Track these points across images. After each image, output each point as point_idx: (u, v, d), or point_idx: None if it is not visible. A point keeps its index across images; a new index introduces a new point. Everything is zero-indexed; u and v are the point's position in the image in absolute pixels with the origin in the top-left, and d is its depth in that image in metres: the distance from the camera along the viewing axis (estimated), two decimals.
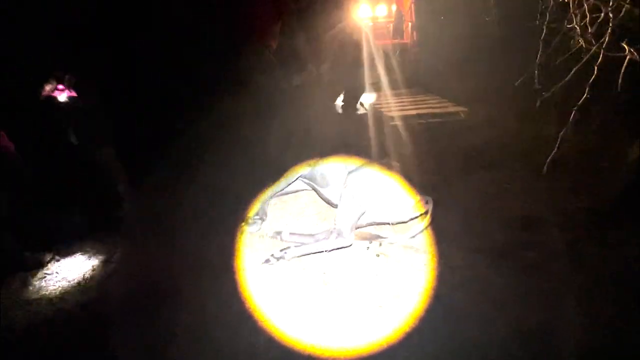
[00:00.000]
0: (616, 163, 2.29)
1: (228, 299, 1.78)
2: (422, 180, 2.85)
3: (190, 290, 1.85)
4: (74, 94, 2.76)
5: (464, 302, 1.80)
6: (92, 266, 2.36)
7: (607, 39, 1.81)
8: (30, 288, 2.20)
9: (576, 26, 1.94)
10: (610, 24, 1.82)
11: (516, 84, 2.24)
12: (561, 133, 2.11)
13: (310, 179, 2.35)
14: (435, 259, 2.08)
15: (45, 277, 2.30)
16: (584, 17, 2.04)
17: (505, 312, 1.73)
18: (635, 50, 2.15)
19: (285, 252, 1.98)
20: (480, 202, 2.53)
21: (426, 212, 2.06)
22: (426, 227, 2.05)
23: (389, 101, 4.52)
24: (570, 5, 1.92)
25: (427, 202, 2.07)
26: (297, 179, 2.39)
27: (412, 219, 2.09)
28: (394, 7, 5.08)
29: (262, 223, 2.32)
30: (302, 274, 1.96)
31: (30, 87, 2.73)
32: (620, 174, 2.23)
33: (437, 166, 3.05)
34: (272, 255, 1.99)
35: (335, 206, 2.19)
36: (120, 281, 2.15)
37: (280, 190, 2.39)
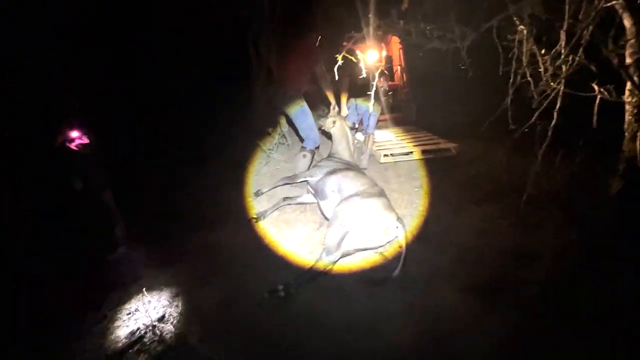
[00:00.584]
0: (600, 196, 2.34)
1: None
2: (414, 216, 2.94)
3: None
4: (86, 140, 2.91)
5: (460, 342, 1.80)
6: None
7: (563, 81, 1.95)
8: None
9: (546, 69, 2.11)
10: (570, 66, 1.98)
11: (485, 125, 2.39)
12: (532, 171, 2.21)
13: (314, 188, 2.88)
14: (430, 298, 2.09)
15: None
16: (553, 61, 2.21)
17: (504, 350, 1.73)
18: (605, 90, 2.32)
19: (290, 287, 2.18)
20: (473, 238, 2.57)
21: (397, 237, 2.34)
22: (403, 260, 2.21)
23: (383, 138, 4.70)
24: (538, 55, 2.11)
25: (397, 227, 2.33)
26: (304, 180, 3.00)
27: (388, 242, 2.40)
28: (384, 53, 5.43)
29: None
30: None
31: (44, 132, 2.94)
32: (604, 208, 2.28)
33: (430, 202, 3.12)
34: (275, 291, 2.16)
35: (326, 219, 2.68)
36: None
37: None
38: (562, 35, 1.97)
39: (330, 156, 3.18)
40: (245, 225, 3.00)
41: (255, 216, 3.03)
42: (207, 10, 5.11)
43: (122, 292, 2.43)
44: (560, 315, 1.87)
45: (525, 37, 2.09)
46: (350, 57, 2.90)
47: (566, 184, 2.70)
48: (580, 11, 1.92)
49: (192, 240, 2.92)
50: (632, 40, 2.10)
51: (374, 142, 4.16)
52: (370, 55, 4.74)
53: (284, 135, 4.77)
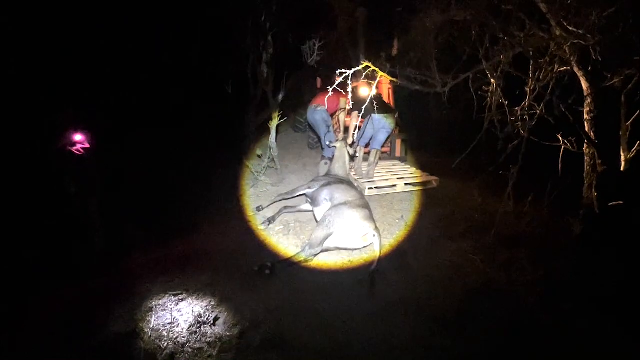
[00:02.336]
0: (563, 238, 2.52)
1: None
2: (394, 246, 3.04)
3: None
4: (87, 145, 2.91)
5: None
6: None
7: (527, 131, 2.18)
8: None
9: (512, 118, 2.35)
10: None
11: (454, 164, 2.59)
12: (499, 210, 2.38)
13: (311, 197, 3.32)
14: (402, 328, 2.14)
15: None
16: (518, 111, 2.46)
17: None
18: (569, 141, 2.58)
19: (274, 266, 2.59)
20: (447, 272, 2.67)
21: (372, 244, 2.74)
22: (377, 262, 2.59)
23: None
24: (505, 105, 2.36)
25: (374, 236, 2.74)
26: (303, 194, 3.50)
27: (365, 247, 2.81)
28: (373, 91, 5.79)
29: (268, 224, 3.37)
30: None
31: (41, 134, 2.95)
32: (566, 249, 2.44)
33: (410, 234, 3.23)
34: (264, 267, 2.57)
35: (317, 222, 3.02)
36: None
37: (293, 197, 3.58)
38: (527, 91, 2.23)
39: (327, 173, 3.76)
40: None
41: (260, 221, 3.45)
42: (210, 42, 5.46)
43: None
44: (522, 350, 1.95)
45: (494, 89, 2.35)
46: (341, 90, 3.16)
47: (533, 225, 2.87)
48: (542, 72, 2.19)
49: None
50: (589, 100, 2.38)
51: (376, 156, 4.44)
52: (362, 92, 5.08)
53: (273, 159, 4.90)
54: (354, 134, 4.09)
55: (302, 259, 2.63)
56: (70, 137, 2.83)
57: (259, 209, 3.71)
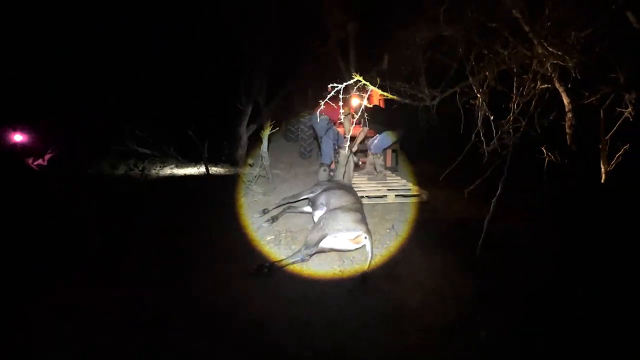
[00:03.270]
0: (550, 246, 2.59)
1: None
2: (385, 256, 3.06)
3: None
4: (52, 153, 2.83)
5: None
6: None
7: (512, 144, 2.27)
8: None
9: (498, 132, 2.44)
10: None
11: (443, 175, 2.65)
12: (486, 220, 2.44)
13: (312, 201, 3.60)
14: (395, 337, 2.15)
15: None
16: (503, 125, 2.55)
17: None
18: (552, 154, 2.67)
19: (272, 266, 2.74)
20: (438, 281, 2.69)
21: (365, 245, 2.87)
22: (371, 261, 2.77)
23: (361, 181, 4.95)
24: (491, 120, 2.45)
25: (365, 238, 2.88)
26: (306, 198, 3.78)
27: (357, 248, 2.97)
28: (365, 102, 5.90)
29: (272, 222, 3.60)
30: None
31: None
32: (554, 258, 2.51)
33: (400, 244, 3.27)
34: (262, 267, 2.70)
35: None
36: None
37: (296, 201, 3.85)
38: (512, 106, 2.33)
39: (330, 179, 4.16)
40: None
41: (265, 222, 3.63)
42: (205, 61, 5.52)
43: None
44: (512, 355, 1.98)
45: (480, 104, 2.44)
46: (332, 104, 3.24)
47: (520, 235, 2.94)
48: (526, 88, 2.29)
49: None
50: (570, 115, 2.48)
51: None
52: (353, 104, 5.16)
53: (265, 168, 4.92)
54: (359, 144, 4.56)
55: (299, 257, 2.80)
56: (7, 137, 2.68)
57: (264, 211, 3.87)
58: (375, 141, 4.98)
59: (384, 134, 4.89)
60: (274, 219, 3.63)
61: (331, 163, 4.62)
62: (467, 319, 2.28)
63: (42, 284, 2.61)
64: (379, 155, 5.00)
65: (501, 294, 2.50)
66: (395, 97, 2.81)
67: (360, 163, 5.13)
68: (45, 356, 1.97)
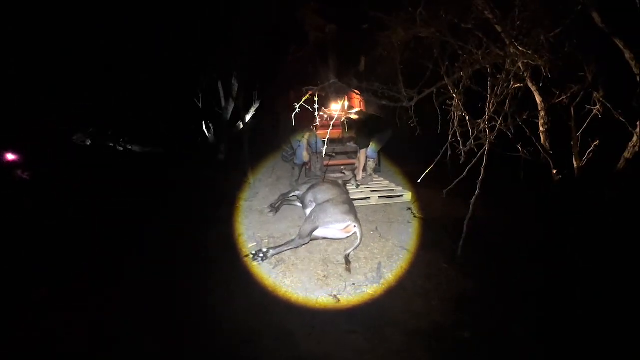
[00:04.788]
0: (528, 241, 2.63)
1: None
2: (369, 258, 3.04)
3: None
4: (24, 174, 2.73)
5: None
6: None
7: (488, 143, 2.30)
8: None
9: (473, 132, 2.47)
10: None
11: (421, 177, 2.66)
12: (466, 220, 2.47)
13: (300, 198, 3.78)
14: (378, 342, 2.11)
15: None
16: (478, 124, 2.58)
17: None
18: (527, 152, 2.73)
19: (268, 252, 2.98)
20: (421, 282, 2.69)
21: (355, 234, 3.02)
22: (358, 246, 2.97)
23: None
24: (467, 119, 2.47)
25: (355, 227, 3.02)
26: (294, 195, 4.01)
27: (347, 237, 3.16)
28: (346, 103, 5.89)
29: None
30: None
31: None
32: (531, 254, 2.56)
33: (383, 245, 3.25)
34: (260, 252, 2.95)
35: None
36: None
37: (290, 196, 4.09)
38: (487, 105, 2.35)
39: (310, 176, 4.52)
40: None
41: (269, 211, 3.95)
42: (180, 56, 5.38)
43: None
44: (494, 356, 1.99)
45: (456, 104, 2.45)
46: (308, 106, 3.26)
47: (499, 232, 2.98)
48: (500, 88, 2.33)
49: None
50: (542, 113, 2.54)
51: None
52: (333, 106, 5.14)
53: (247, 175, 4.84)
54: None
55: (293, 246, 3.04)
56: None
57: (270, 207, 4.05)
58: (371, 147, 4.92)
59: (377, 136, 4.85)
60: (274, 208, 3.97)
61: (305, 164, 4.94)
62: (446, 321, 2.28)
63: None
64: (374, 160, 4.99)
65: (484, 293, 2.51)
66: (373, 99, 2.81)
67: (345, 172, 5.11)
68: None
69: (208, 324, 2.23)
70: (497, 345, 2.08)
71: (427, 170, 2.60)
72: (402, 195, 4.29)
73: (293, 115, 2.86)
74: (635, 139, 2.16)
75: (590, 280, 2.39)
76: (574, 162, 2.57)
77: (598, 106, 2.40)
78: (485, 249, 2.94)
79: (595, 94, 2.38)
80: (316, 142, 4.80)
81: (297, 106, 2.46)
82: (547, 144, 2.47)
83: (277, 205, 4.01)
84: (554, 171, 2.45)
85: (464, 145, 2.40)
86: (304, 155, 4.76)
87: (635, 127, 2.17)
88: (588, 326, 2.16)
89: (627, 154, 2.21)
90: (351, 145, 5.21)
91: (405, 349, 2.06)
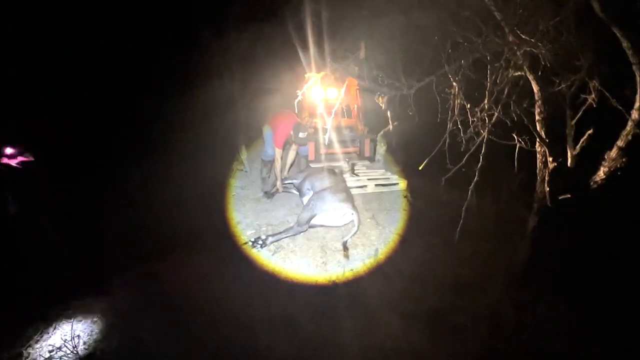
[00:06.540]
0: (522, 228, 2.69)
1: None
2: (366, 245, 3.09)
3: None
4: (29, 158, 2.64)
5: None
6: None
7: (487, 129, 2.32)
8: None
9: (473, 120, 2.49)
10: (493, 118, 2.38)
11: (421, 166, 2.69)
12: (464, 207, 2.51)
13: (297, 187, 3.79)
14: (376, 326, 2.18)
15: None
16: (479, 112, 2.60)
17: None
18: (523, 140, 2.76)
19: (267, 239, 3.04)
20: (418, 268, 2.75)
21: (353, 221, 3.13)
22: (356, 232, 3.11)
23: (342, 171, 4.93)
24: (466, 107, 2.49)
25: (352, 214, 3.12)
26: (291, 182, 3.95)
27: (345, 225, 3.25)
28: (342, 90, 5.84)
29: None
30: None
31: None
32: (524, 240, 2.62)
33: (380, 233, 3.30)
34: (259, 239, 3.03)
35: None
36: None
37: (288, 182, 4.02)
38: (487, 94, 2.37)
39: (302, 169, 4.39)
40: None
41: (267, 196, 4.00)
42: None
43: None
44: (488, 341, 2.06)
45: (455, 92, 2.46)
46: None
47: (494, 220, 3.05)
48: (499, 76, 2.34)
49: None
50: (539, 102, 2.56)
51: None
52: (329, 94, 5.09)
53: (243, 162, 4.81)
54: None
55: (291, 234, 3.11)
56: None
57: (267, 193, 4.06)
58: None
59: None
60: (268, 195, 4.00)
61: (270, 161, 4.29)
62: (443, 304, 2.35)
63: None
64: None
65: (478, 278, 2.59)
66: (372, 87, 2.80)
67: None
68: None
69: (207, 313, 2.26)
70: (491, 329, 2.16)
71: (428, 158, 2.62)
72: (398, 184, 4.33)
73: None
74: (629, 127, 2.21)
75: (582, 265, 2.47)
76: (568, 151, 2.61)
77: (593, 95, 2.43)
78: (480, 235, 3.01)
79: (591, 83, 2.41)
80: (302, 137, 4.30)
81: (300, 93, 2.43)
82: (543, 133, 2.51)
83: (272, 192, 4.03)
84: (550, 159, 2.49)
85: (464, 133, 2.42)
86: (277, 152, 3.92)
87: (630, 115, 2.21)
88: (578, 308, 2.25)
89: (620, 143, 2.26)
90: (349, 134, 5.20)
91: (402, 332, 2.13)
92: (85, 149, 4.53)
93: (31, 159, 2.61)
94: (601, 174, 2.39)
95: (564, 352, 1.98)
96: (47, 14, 4.78)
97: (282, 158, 4.16)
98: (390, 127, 4.56)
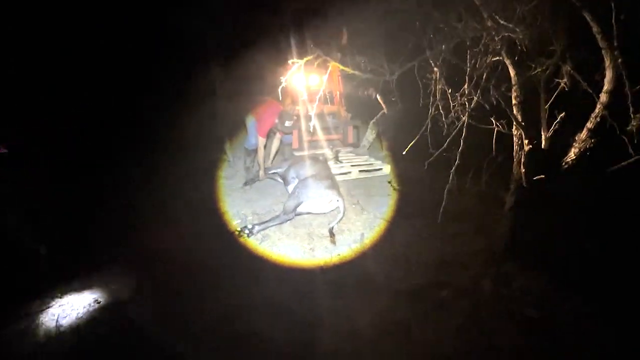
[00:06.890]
0: (500, 208, 2.83)
1: None
2: (352, 230, 3.15)
3: None
4: (1, 150, 2.51)
5: (389, 345, 1.97)
6: None
7: (467, 114, 2.40)
8: None
9: (454, 104, 2.55)
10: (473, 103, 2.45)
11: (405, 150, 2.75)
12: (446, 189, 2.61)
13: (282, 176, 3.77)
14: (362, 303, 2.26)
15: None
16: (462, 96, 2.66)
17: (421, 346, 1.95)
18: (500, 124, 2.87)
19: (254, 228, 3.05)
20: (403, 249, 2.85)
21: (338, 208, 3.16)
22: (341, 218, 3.12)
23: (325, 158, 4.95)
24: (447, 92, 2.55)
25: (337, 201, 3.15)
26: (276, 172, 3.93)
27: (331, 211, 3.30)
28: (324, 77, 5.80)
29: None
30: None
31: None
32: (503, 219, 2.76)
33: (366, 217, 3.37)
34: (245, 228, 3.04)
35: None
36: None
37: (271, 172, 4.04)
38: (467, 79, 2.43)
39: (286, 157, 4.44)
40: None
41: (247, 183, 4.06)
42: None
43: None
44: (470, 312, 2.19)
45: (437, 77, 2.51)
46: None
47: (474, 200, 3.18)
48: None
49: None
50: (516, 86, 2.65)
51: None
52: (312, 80, 5.05)
53: (226, 152, 4.74)
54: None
55: (278, 222, 3.12)
56: None
57: (246, 184, 4.07)
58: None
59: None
60: (249, 183, 4.04)
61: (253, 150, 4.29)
62: (429, 282, 2.46)
63: None
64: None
65: (458, 255, 2.71)
66: (355, 73, 2.80)
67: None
68: None
69: (198, 303, 2.27)
70: (472, 302, 2.28)
71: (412, 143, 2.68)
72: (381, 169, 4.41)
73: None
74: (597, 110, 2.33)
75: (556, 239, 2.63)
76: (542, 133, 2.74)
77: (565, 79, 2.54)
78: (462, 216, 3.14)
79: (563, 67, 2.51)
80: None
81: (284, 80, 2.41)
82: (520, 116, 2.61)
83: (252, 178, 4.09)
84: (525, 141, 2.61)
85: (446, 117, 2.48)
86: (260, 141, 3.97)
87: (599, 98, 2.34)
88: (552, 278, 2.41)
89: (589, 124, 2.39)
90: (332, 121, 5.21)
91: (389, 309, 2.22)
92: (85, 149, 4.38)
93: (4, 150, 2.48)
94: (572, 154, 2.53)
95: (540, 319, 2.12)
96: (47, 14, 4.55)
97: (265, 147, 4.15)
98: (385, 110, 4.60)
